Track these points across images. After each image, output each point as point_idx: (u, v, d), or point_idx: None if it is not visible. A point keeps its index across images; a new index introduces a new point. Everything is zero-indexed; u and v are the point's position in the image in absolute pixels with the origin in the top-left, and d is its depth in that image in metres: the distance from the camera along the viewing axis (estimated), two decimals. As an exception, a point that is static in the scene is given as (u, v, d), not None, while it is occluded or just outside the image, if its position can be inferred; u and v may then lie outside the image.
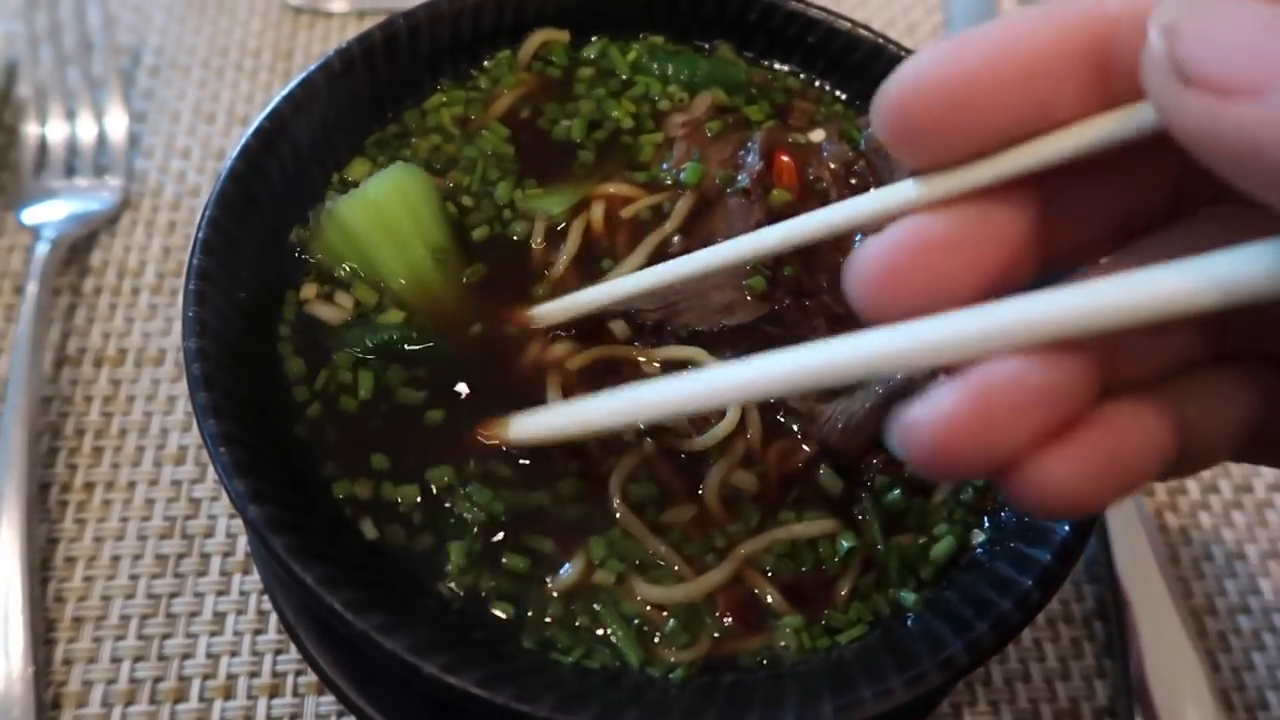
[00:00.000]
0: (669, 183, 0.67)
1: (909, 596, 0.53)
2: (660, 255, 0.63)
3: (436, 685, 0.43)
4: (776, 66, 0.75)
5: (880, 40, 0.71)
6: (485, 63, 0.72)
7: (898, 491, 0.57)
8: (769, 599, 0.54)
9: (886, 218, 0.39)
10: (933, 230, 0.37)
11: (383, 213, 0.60)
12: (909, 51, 0.70)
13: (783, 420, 0.58)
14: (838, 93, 0.74)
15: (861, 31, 0.71)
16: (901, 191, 0.40)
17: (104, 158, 0.87)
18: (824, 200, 0.66)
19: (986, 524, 0.57)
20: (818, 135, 0.70)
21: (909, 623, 0.52)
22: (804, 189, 0.67)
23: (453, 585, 0.51)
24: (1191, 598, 0.75)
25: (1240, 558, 0.78)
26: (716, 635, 0.52)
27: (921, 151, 0.38)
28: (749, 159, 0.66)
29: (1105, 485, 0.35)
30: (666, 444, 0.57)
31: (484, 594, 0.51)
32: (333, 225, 0.61)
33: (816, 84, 0.74)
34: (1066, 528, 0.51)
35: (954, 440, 0.33)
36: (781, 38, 0.74)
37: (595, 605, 0.52)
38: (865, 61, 0.72)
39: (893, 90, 0.36)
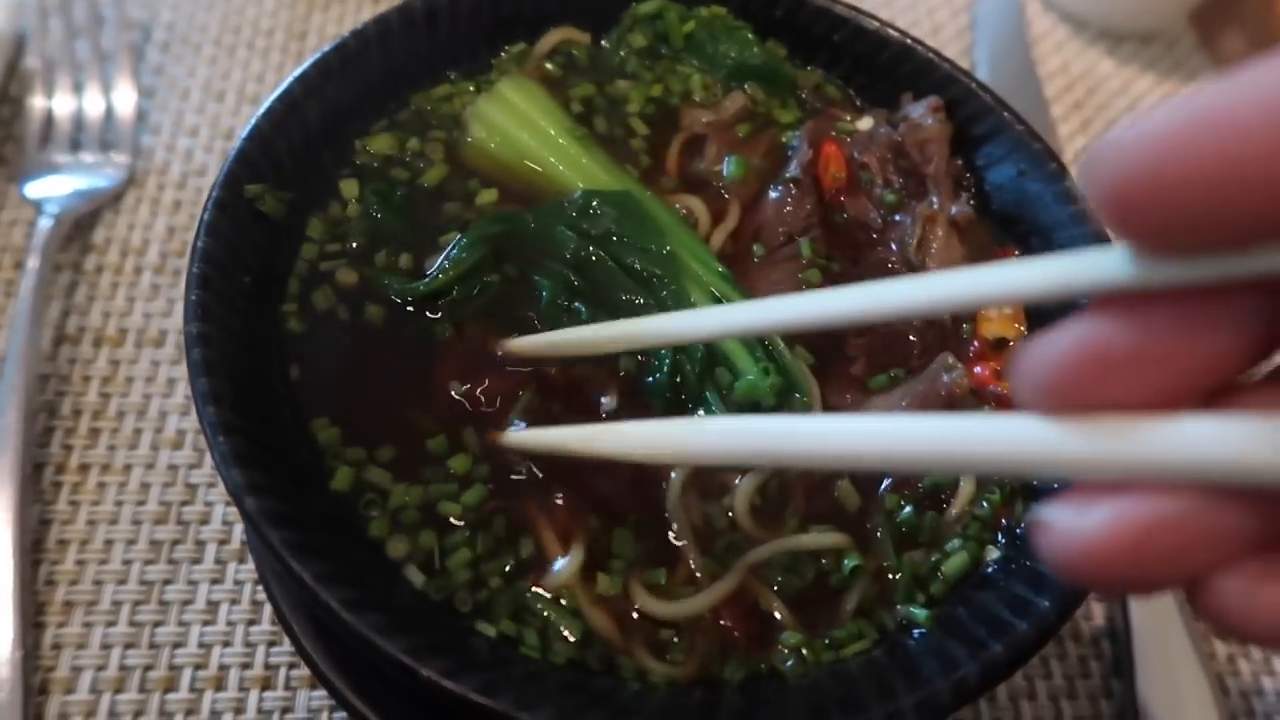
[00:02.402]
0: (717, 184, 0.66)
1: (919, 613, 0.52)
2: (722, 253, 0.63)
3: (434, 689, 0.42)
4: (809, 69, 0.74)
5: (909, 41, 0.69)
6: (502, 53, 0.70)
7: (909, 509, 0.55)
8: (775, 613, 0.52)
9: (1065, 294, 0.33)
10: (1124, 342, 0.30)
11: (517, 107, 0.65)
12: (937, 54, 0.69)
13: None
14: (873, 105, 0.72)
15: (890, 32, 0.70)
16: (1093, 265, 0.32)
17: (110, 133, 0.86)
18: (869, 192, 0.65)
19: (1001, 540, 0.55)
20: (865, 123, 0.68)
21: (919, 639, 0.51)
22: (852, 177, 0.65)
23: (452, 586, 0.50)
24: (1200, 620, 0.74)
25: (1252, 581, 0.76)
26: (720, 646, 0.51)
27: (1144, 235, 0.29)
28: (798, 146, 0.65)
29: None
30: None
31: (482, 596, 0.50)
32: (478, 124, 0.64)
33: (853, 93, 0.73)
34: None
35: (1106, 563, 0.30)
36: (808, 35, 0.73)
37: (593, 614, 0.51)
38: (893, 61, 0.70)
39: (1121, 153, 0.28)
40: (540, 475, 0.54)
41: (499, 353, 0.56)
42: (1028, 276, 0.34)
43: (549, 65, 0.70)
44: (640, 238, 0.59)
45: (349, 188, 0.62)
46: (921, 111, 0.66)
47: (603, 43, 0.72)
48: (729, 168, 0.65)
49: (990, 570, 0.54)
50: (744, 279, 0.61)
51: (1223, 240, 0.28)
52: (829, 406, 0.58)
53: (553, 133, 0.65)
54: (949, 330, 0.61)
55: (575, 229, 0.59)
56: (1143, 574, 0.30)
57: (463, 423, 0.55)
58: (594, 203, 0.60)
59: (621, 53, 0.71)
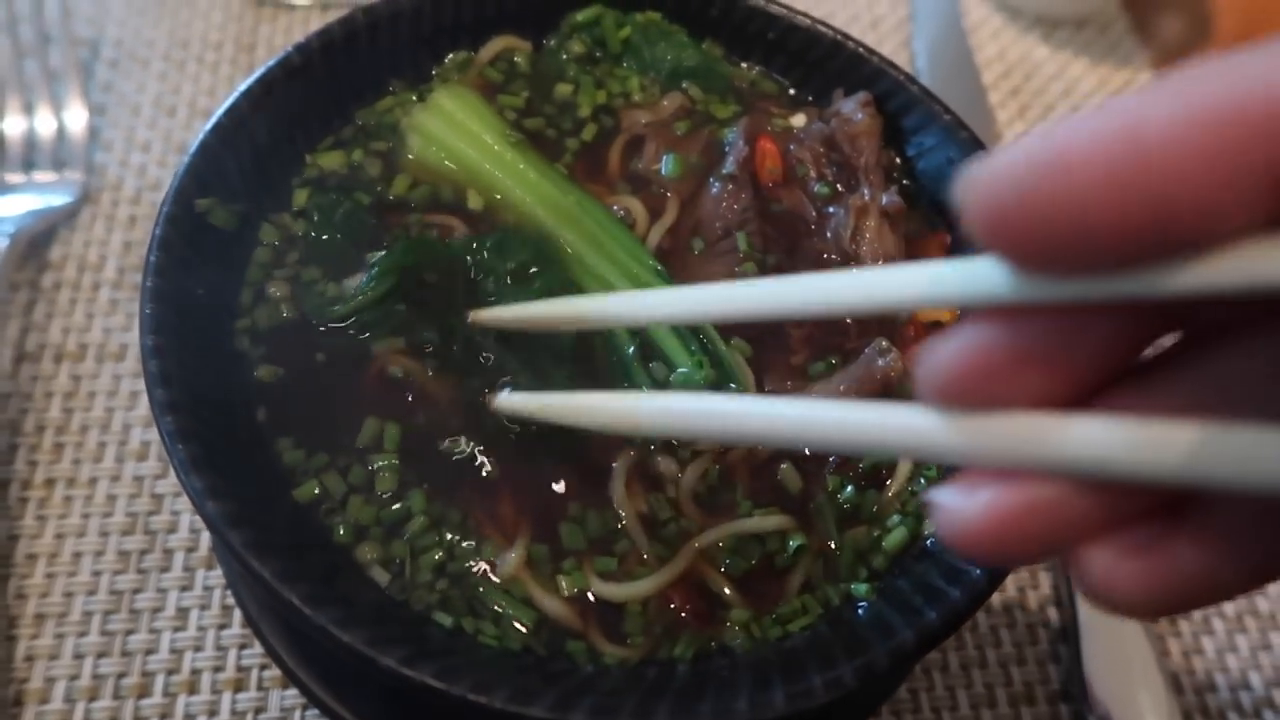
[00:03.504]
0: (656, 182, 0.68)
1: (860, 588, 0.55)
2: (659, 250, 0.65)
3: (394, 678, 0.44)
4: (745, 66, 0.76)
5: (839, 37, 0.72)
6: (445, 61, 0.72)
7: (851, 489, 0.58)
8: (723, 592, 0.54)
9: (959, 303, 0.36)
10: (1005, 347, 0.33)
11: (453, 116, 0.67)
12: (867, 49, 0.71)
13: None
14: (810, 98, 0.75)
15: (821, 28, 0.72)
16: (982, 276, 0.33)
17: (63, 152, 0.87)
18: (804, 185, 0.67)
19: (939, 514, 0.58)
20: (799, 120, 0.71)
21: (860, 612, 0.54)
22: (787, 171, 0.68)
23: (408, 578, 0.52)
24: (1143, 583, 0.77)
25: (1191, 544, 0.80)
26: (671, 626, 0.53)
27: (1021, 258, 0.31)
28: (735, 143, 0.67)
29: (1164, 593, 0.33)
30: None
31: (439, 587, 0.52)
32: (415, 135, 0.66)
33: (792, 92, 0.75)
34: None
35: (985, 540, 0.34)
36: (743, 33, 0.75)
37: (544, 597, 0.53)
38: (825, 56, 0.72)
39: (992, 180, 0.29)
40: (488, 474, 0.56)
41: (469, 320, 0.57)
42: (914, 282, 0.37)
43: (491, 72, 0.72)
44: (552, 279, 0.61)
45: (298, 199, 0.63)
46: (852, 107, 0.68)
47: (548, 42, 0.74)
48: (667, 166, 0.67)
49: (929, 543, 0.57)
50: (684, 272, 0.63)
51: (1088, 267, 0.30)
52: (770, 394, 0.60)
53: (489, 139, 0.67)
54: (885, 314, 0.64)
55: (486, 266, 0.61)
56: (1018, 549, 0.33)
57: (417, 436, 0.57)
58: (507, 241, 0.62)
59: (563, 56, 0.73)
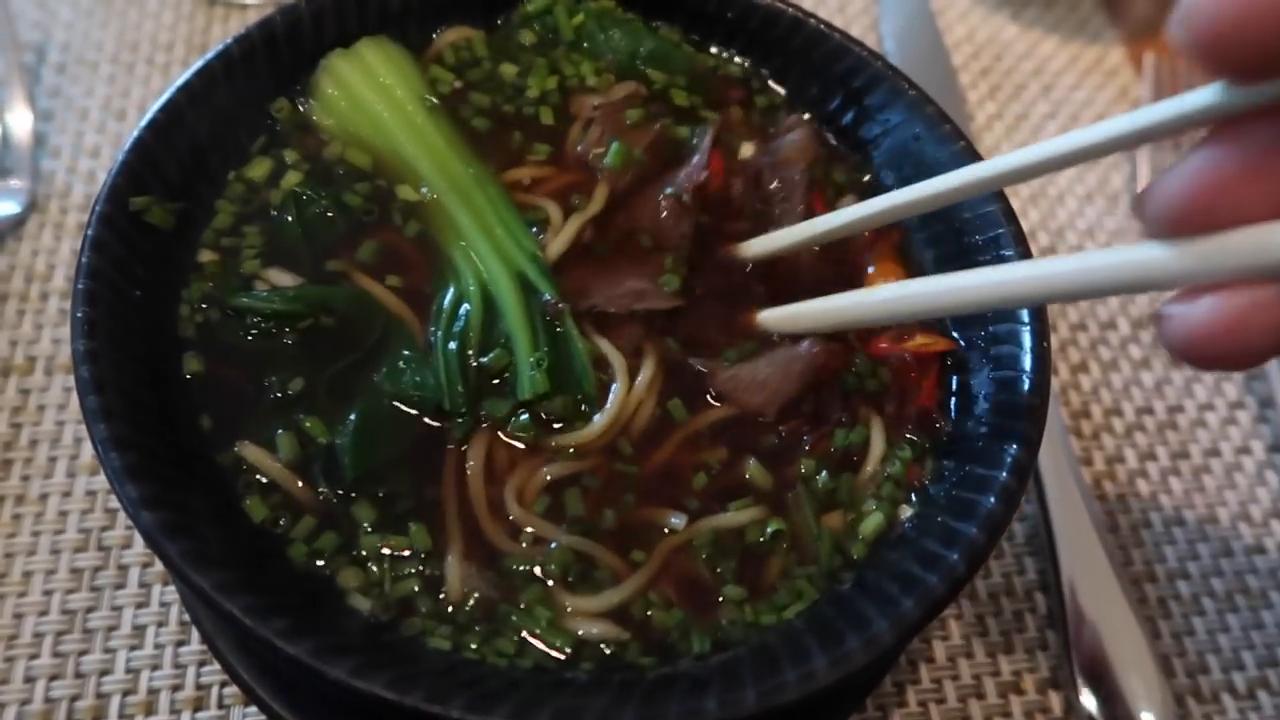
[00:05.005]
0: (594, 166, 0.66)
1: (841, 574, 0.53)
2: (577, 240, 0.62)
3: (344, 689, 0.42)
4: (713, 50, 0.74)
5: (800, 15, 0.70)
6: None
7: (825, 473, 0.56)
8: (711, 587, 0.53)
9: (1179, 128, 0.40)
10: (1234, 162, 0.37)
11: (371, 68, 0.66)
12: (828, 25, 0.69)
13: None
14: (771, 83, 0.73)
15: (781, 5, 0.70)
16: (1198, 100, 0.39)
17: (7, 160, 0.84)
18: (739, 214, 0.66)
19: (914, 499, 0.56)
20: (747, 150, 0.69)
21: (837, 602, 0.51)
22: (724, 192, 0.67)
23: (358, 589, 0.50)
24: (1131, 565, 0.75)
25: (1179, 524, 0.78)
26: (642, 627, 0.51)
27: (1242, 66, 0.36)
28: (695, 164, 0.66)
29: None
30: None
31: (390, 596, 0.50)
32: (329, 79, 0.65)
33: (752, 78, 0.73)
34: (992, 499, 0.50)
35: (1212, 340, 0.38)
36: (701, 15, 0.73)
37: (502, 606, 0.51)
38: (786, 35, 0.70)
39: (1196, 9, 0.35)
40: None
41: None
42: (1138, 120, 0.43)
43: (445, 58, 0.70)
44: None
45: (235, 191, 0.61)
46: (792, 139, 0.67)
47: (500, 22, 0.72)
48: (610, 155, 0.65)
49: (906, 528, 0.55)
50: (592, 265, 0.62)
51: None
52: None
53: (401, 96, 0.65)
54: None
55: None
56: (1243, 346, 0.38)
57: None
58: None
59: (519, 41, 0.71)
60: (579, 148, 0.66)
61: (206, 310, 0.57)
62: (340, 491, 0.53)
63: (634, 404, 0.57)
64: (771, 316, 0.60)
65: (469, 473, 0.54)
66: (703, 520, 0.54)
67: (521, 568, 0.52)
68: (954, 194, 0.53)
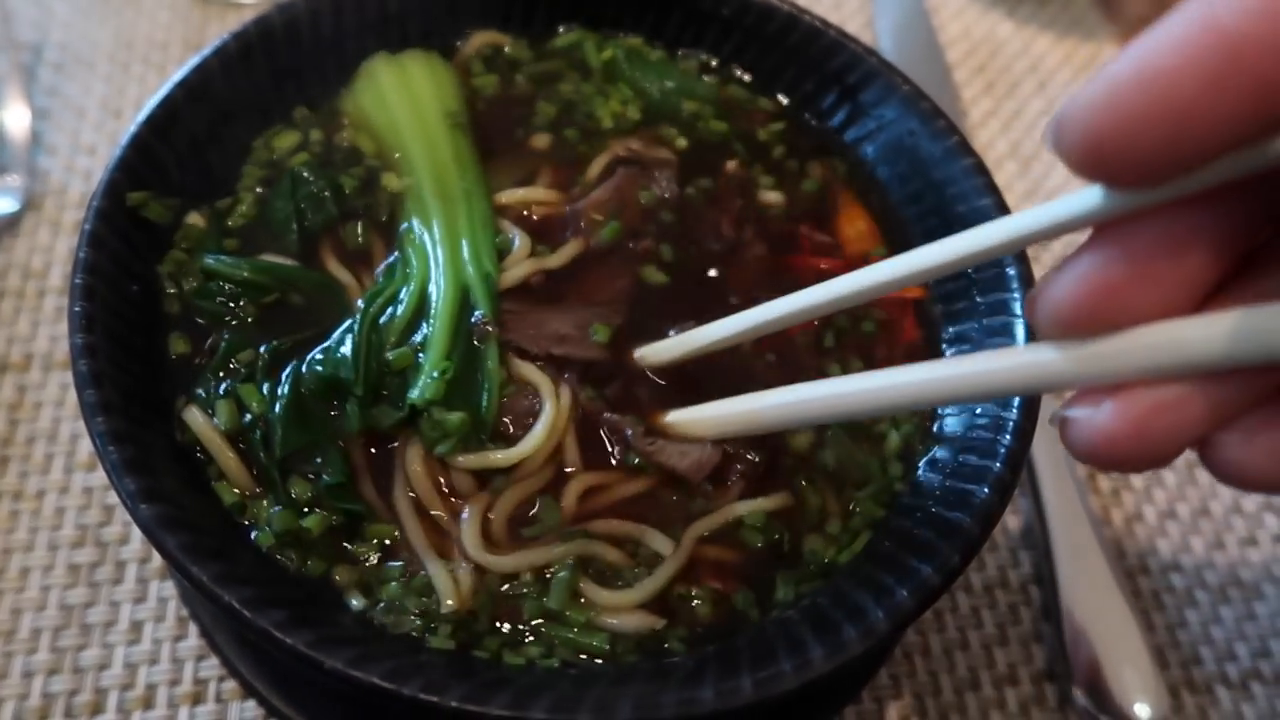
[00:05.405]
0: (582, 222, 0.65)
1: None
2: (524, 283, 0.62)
3: (341, 680, 0.42)
4: (702, 57, 0.74)
5: (794, 11, 0.70)
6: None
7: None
8: (745, 573, 0.55)
9: (1062, 228, 0.39)
10: (1128, 264, 0.36)
11: (410, 76, 0.68)
12: (823, 21, 0.69)
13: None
14: (780, 97, 0.73)
15: (775, 2, 0.70)
16: (1082, 203, 0.37)
17: (4, 157, 0.84)
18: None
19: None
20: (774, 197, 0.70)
21: (832, 593, 0.52)
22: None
23: (354, 583, 0.50)
24: (1125, 558, 0.76)
25: (1172, 516, 0.78)
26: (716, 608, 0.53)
27: (1124, 175, 0.34)
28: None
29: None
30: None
31: (390, 591, 0.50)
32: (364, 79, 0.67)
33: (762, 99, 0.73)
34: (986, 490, 0.50)
35: (1118, 444, 0.37)
36: (697, 12, 0.73)
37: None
38: (781, 32, 0.71)
39: (1077, 116, 0.33)
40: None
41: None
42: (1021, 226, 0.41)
43: (475, 64, 0.71)
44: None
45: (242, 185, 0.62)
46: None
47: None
48: (604, 230, 0.64)
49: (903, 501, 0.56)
50: (536, 306, 0.61)
51: (1178, 169, 0.33)
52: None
53: (426, 106, 0.66)
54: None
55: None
56: (1150, 448, 0.37)
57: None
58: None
59: (548, 69, 0.72)
60: (590, 194, 0.66)
61: (186, 281, 0.58)
62: (277, 472, 0.52)
63: (563, 423, 0.56)
64: (681, 419, 0.56)
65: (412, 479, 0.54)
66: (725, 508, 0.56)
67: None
68: (862, 295, 0.49)
